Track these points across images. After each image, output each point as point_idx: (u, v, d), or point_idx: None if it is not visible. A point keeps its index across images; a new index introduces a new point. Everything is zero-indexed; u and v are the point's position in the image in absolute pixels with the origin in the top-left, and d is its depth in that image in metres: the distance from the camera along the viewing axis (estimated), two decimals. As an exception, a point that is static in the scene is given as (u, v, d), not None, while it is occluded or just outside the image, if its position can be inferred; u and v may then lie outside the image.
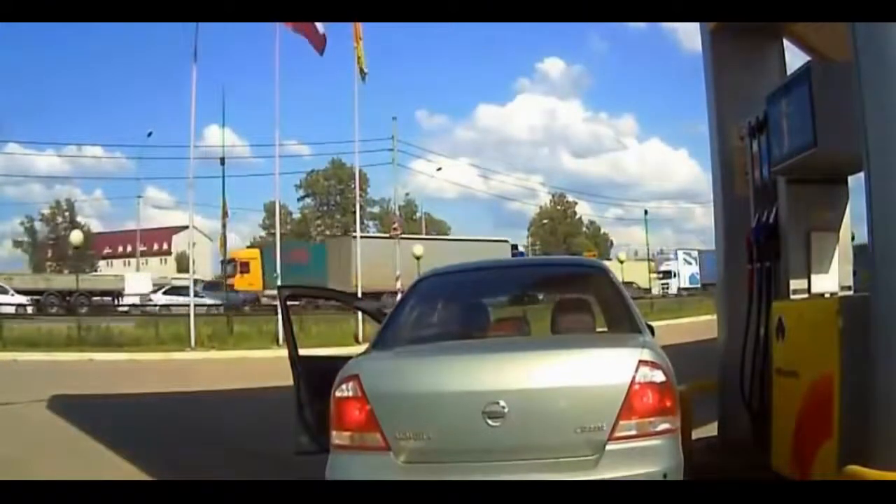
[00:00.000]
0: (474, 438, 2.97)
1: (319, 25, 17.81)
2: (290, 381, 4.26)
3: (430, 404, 3.09)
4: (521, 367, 3.13)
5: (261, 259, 37.92)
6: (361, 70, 19.35)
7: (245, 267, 38.08)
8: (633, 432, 2.94)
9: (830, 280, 4.15)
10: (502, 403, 2.93)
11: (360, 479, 3.06)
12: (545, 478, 2.88)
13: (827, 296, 4.04)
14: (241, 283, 37.19)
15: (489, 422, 2.94)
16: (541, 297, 4.53)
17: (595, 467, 2.90)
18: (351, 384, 3.13)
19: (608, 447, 2.92)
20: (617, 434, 2.93)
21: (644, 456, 2.94)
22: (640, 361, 2.96)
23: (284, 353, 4.41)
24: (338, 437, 3.17)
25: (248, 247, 42.73)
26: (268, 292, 34.45)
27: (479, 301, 4.32)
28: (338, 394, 3.15)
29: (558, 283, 4.53)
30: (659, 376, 2.96)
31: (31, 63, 73.11)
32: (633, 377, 2.94)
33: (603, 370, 3.04)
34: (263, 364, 15.73)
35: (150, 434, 7.33)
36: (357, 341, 18.72)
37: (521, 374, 3.07)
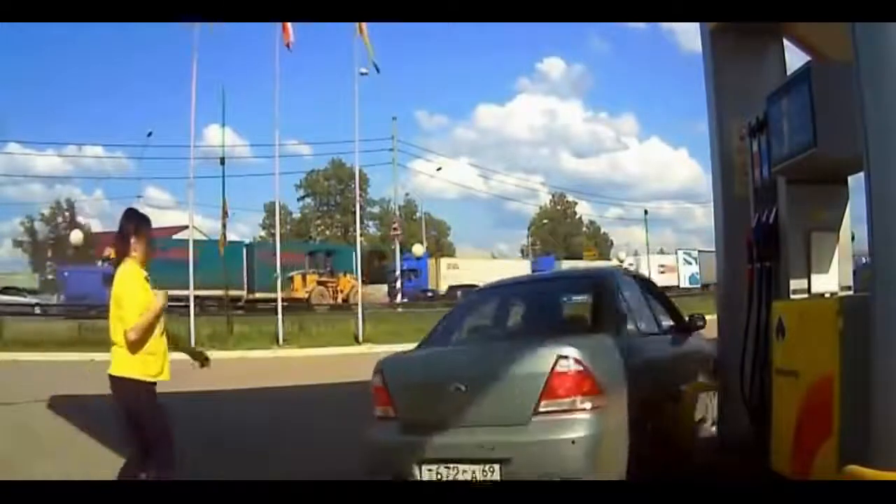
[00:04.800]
0: (445, 411, 4.05)
1: (290, 34, 18.08)
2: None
3: (418, 388, 4.32)
4: (475, 361, 4.32)
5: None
6: (374, 65, 19.56)
7: None
8: (553, 408, 3.85)
9: (830, 280, 4.14)
10: (462, 386, 4.02)
11: (381, 438, 4.28)
12: (491, 438, 3.91)
13: (827, 296, 4.04)
14: None
15: (450, 400, 4.02)
16: (558, 301, 5.45)
17: (524, 432, 3.87)
18: (379, 376, 4.40)
19: (534, 419, 3.87)
20: (540, 409, 3.86)
21: (559, 426, 3.83)
22: (559, 356, 3.86)
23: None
24: (376, 411, 4.36)
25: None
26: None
27: (493, 311, 5.39)
28: (373, 381, 4.40)
29: (566, 292, 5.49)
30: (574, 366, 3.84)
31: (31, 63, 72.93)
32: (553, 367, 3.85)
33: (532, 361, 3.98)
34: (263, 364, 15.77)
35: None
36: (357, 341, 18.73)
37: (475, 365, 4.23)
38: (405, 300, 39.33)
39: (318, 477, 4.61)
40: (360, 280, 23.86)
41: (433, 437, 4.04)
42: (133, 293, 3.90)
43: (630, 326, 4.70)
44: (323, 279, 37.74)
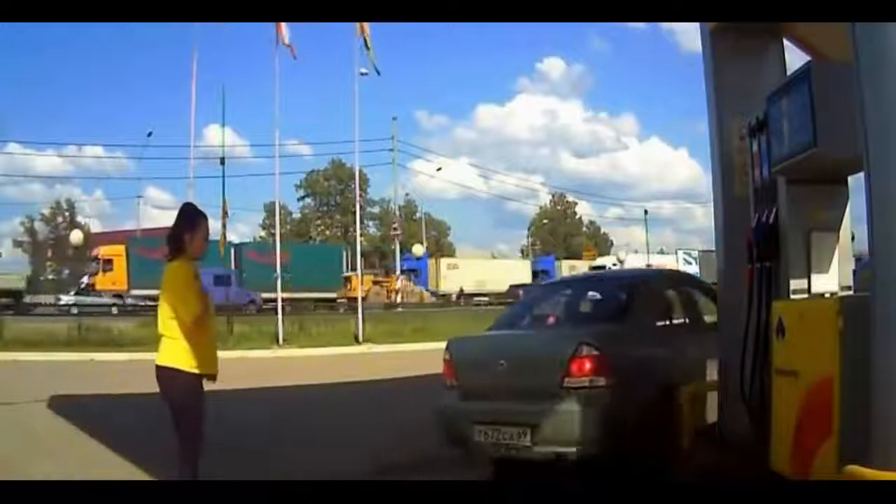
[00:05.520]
0: (490, 383, 4.99)
1: (286, 36, 18.19)
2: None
3: (474, 363, 5.23)
4: (519, 343, 5.41)
5: (126, 255, 35.21)
6: (375, 68, 19.62)
7: (108, 264, 35.56)
8: (574, 385, 4.62)
9: (830, 280, 4.14)
10: (503, 362, 4.93)
11: (446, 403, 5.28)
12: (525, 407, 4.72)
13: (827, 296, 4.03)
14: (103, 281, 34.87)
15: (497, 373, 4.90)
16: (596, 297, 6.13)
17: (550, 403, 4.65)
18: (447, 352, 5.40)
19: (559, 393, 4.65)
20: (564, 385, 4.65)
21: (578, 400, 4.60)
22: (580, 342, 4.68)
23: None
24: (445, 381, 5.35)
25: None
26: (135, 292, 32.42)
27: (544, 303, 6.38)
28: (444, 355, 5.41)
29: (605, 289, 6.14)
30: (592, 351, 4.62)
31: (31, 63, 72.91)
32: (574, 351, 4.65)
33: (560, 345, 4.83)
34: (263, 364, 15.75)
35: (151, 433, 7.32)
36: (357, 341, 18.72)
37: (518, 347, 5.27)
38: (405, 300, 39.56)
39: (318, 477, 4.62)
40: (361, 279, 23.83)
41: (483, 403, 4.97)
42: (185, 291, 3.90)
43: (661, 322, 5.45)
44: (378, 279, 41.74)
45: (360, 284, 23.46)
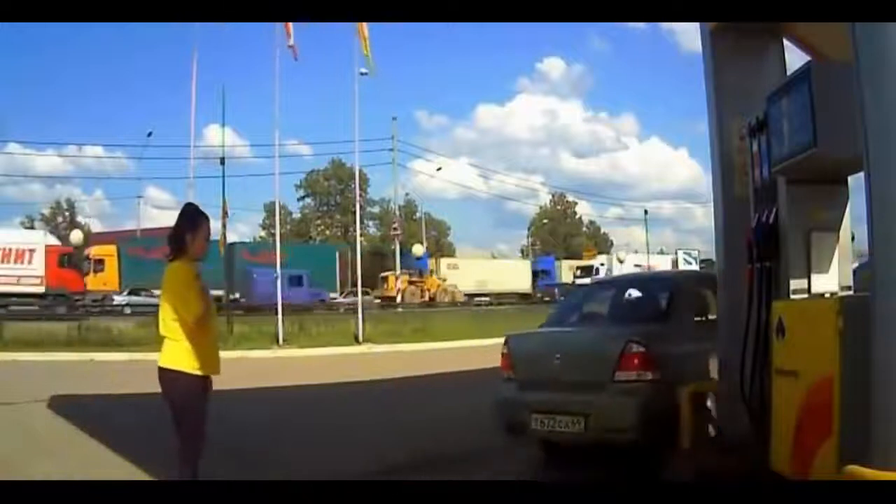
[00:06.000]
0: (547, 375, 5.40)
1: (291, 36, 18.21)
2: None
3: (531, 357, 5.69)
4: (569, 339, 5.77)
5: (117, 256, 35.08)
6: (370, 66, 19.65)
7: (99, 264, 35.07)
8: (623, 378, 5.05)
9: (830, 280, 4.14)
10: (558, 357, 5.38)
11: (504, 394, 5.73)
12: (578, 398, 5.14)
13: (827, 296, 4.03)
14: (94, 282, 34.12)
15: (552, 367, 5.33)
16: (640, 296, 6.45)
17: (601, 395, 5.07)
18: (506, 346, 5.87)
19: (609, 386, 5.08)
20: (615, 379, 5.07)
21: (627, 393, 5.00)
22: (628, 340, 5.09)
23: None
24: (503, 373, 5.82)
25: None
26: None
27: (591, 302, 6.77)
28: (503, 350, 5.87)
29: (648, 289, 6.45)
30: (639, 349, 5.04)
31: (31, 63, 72.83)
32: (623, 348, 5.06)
33: (609, 343, 5.25)
34: (263, 364, 15.76)
35: (151, 433, 7.32)
36: (357, 341, 18.72)
37: (568, 343, 5.65)
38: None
39: (318, 477, 4.62)
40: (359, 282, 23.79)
41: (540, 394, 5.39)
42: (186, 292, 3.91)
43: (699, 318, 5.73)
44: (413, 279, 43.02)
45: (360, 285, 23.32)
